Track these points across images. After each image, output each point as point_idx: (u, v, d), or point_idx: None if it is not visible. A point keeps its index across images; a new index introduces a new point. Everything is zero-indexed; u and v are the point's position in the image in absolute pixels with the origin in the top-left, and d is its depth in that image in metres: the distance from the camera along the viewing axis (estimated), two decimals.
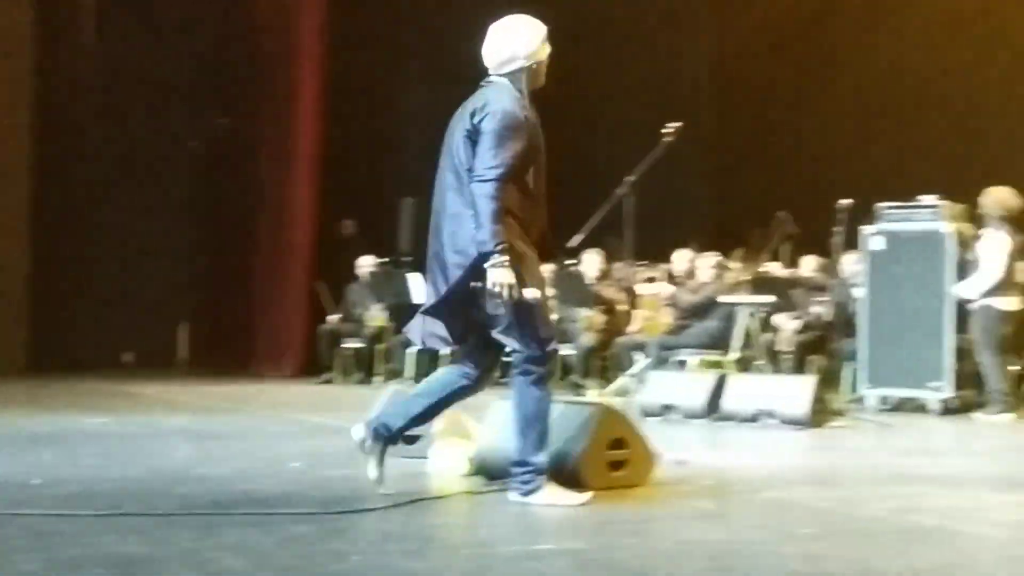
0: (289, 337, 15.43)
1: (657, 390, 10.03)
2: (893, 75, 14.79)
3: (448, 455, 6.42)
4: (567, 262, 12.72)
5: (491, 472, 6.07)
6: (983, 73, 13.96)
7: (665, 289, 12.71)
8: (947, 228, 10.68)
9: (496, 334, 5.46)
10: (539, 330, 5.46)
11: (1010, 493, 6.30)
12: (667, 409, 9.72)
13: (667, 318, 12.39)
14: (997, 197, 10.53)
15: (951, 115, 14.01)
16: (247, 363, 15.52)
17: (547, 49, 5.65)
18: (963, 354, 10.71)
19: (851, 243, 11.38)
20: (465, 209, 5.35)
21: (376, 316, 14.21)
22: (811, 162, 14.81)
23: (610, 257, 12.65)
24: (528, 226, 5.45)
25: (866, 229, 11.03)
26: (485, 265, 5.27)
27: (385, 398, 6.49)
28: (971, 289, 10.41)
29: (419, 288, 13.76)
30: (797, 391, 9.36)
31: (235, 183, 16.28)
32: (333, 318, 14.57)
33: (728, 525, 5.30)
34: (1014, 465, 7.58)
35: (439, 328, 5.57)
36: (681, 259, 12.65)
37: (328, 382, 14.11)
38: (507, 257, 5.25)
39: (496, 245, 5.23)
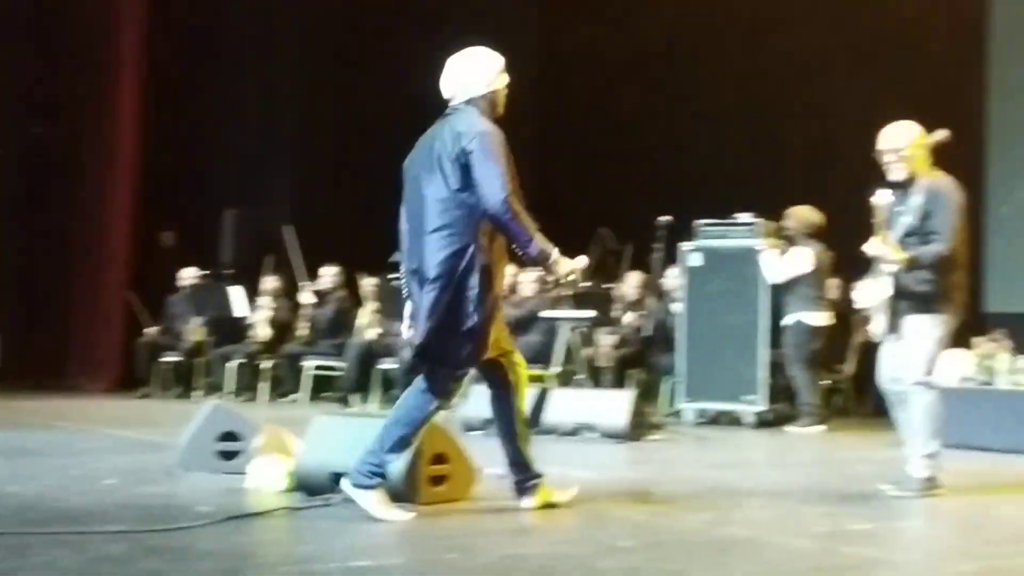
0: (105, 350, 15.09)
1: (479, 404, 10.04)
2: (711, 96, 15.10)
3: (267, 471, 6.35)
4: (391, 276, 12.68)
5: (311, 488, 6.02)
6: (794, 97, 14.35)
7: None
8: (762, 245, 10.96)
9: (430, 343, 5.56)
10: (476, 354, 5.57)
11: (819, 505, 6.48)
12: (489, 423, 9.71)
13: None
14: (799, 215, 10.87)
15: (767, 135, 14.37)
16: (61, 376, 15.11)
17: (505, 78, 5.86)
18: (776, 368, 11.00)
19: (671, 259, 11.60)
20: (451, 227, 5.54)
21: (196, 329, 13.99)
22: (633, 179, 15.03)
23: None
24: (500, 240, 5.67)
25: (684, 245, 11.26)
26: (549, 263, 5.63)
27: None
28: (774, 271, 10.74)
29: (240, 301, 13.60)
30: (616, 405, 9.49)
31: (51, 192, 15.84)
32: (151, 331, 14.30)
33: (548, 539, 5.34)
34: (823, 477, 7.79)
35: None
36: (506, 274, 12.71)
37: (145, 396, 13.83)
38: (557, 251, 5.60)
39: (547, 250, 5.58)
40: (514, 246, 5.61)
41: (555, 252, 5.60)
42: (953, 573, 4.86)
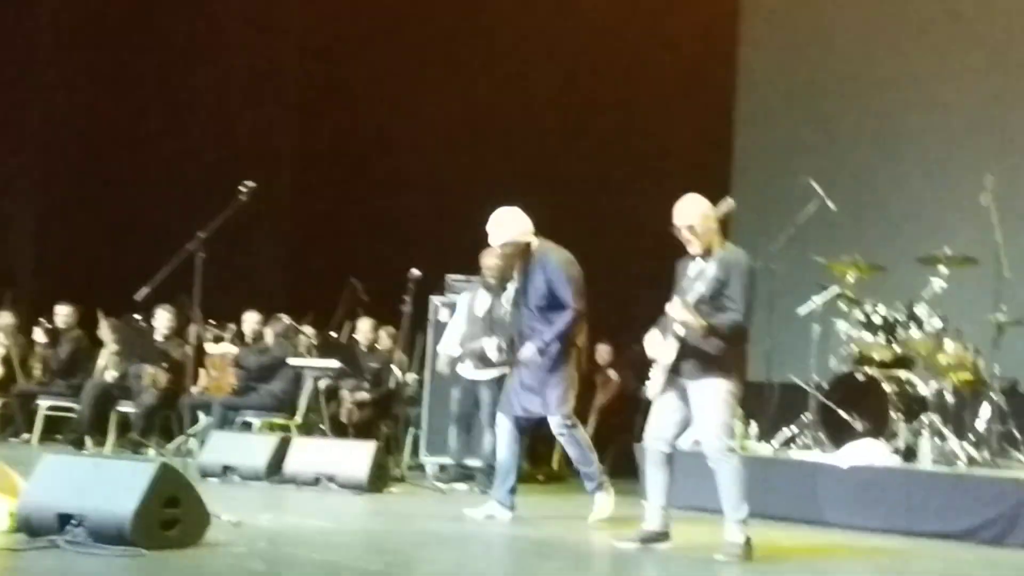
0: None
1: (218, 450, 9.91)
2: (469, 145, 15.28)
3: None
4: (134, 316, 12.40)
5: (35, 529, 5.82)
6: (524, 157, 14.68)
7: (233, 349, 12.59)
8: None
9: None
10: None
11: (551, 559, 6.59)
12: (227, 470, 9.62)
13: (233, 379, 12.27)
14: None
15: (518, 187, 14.58)
16: None
17: None
18: None
19: (419, 313, 11.62)
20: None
21: None
22: (384, 231, 15.05)
23: (180, 314, 12.43)
24: None
25: (435, 299, 11.31)
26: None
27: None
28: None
29: None
30: (358, 456, 9.45)
31: None
32: None
33: None
34: (557, 531, 7.88)
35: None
36: (251, 320, 12.59)
37: None
38: None
39: None
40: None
41: None
42: None
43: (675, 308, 6.62)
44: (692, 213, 6.73)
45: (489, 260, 9.85)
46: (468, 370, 10.04)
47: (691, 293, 6.61)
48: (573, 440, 7.97)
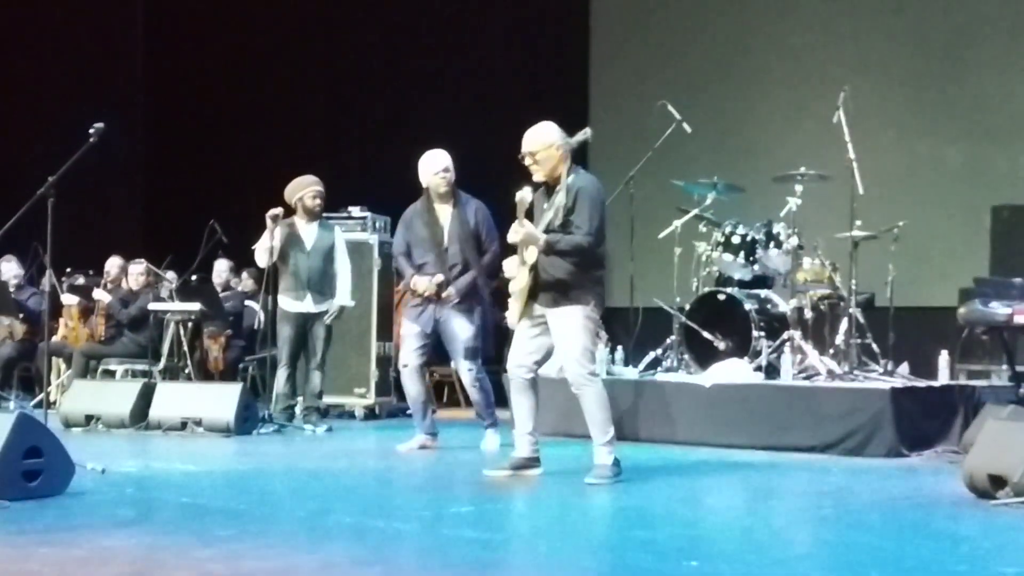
0: None
1: (81, 400, 9.74)
2: (327, 86, 15.14)
3: None
4: None
5: None
6: (398, 90, 14.58)
7: (92, 296, 12.33)
8: (375, 239, 11.04)
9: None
10: None
11: (425, 491, 6.61)
12: (91, 419, 9.47)
13: (94, 326, 12.04)
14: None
15: (379, 128, 14.50)
16: None
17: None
18: (384, 361, 11.10)
19: None
20: None
21: None
22: (245, 170, 14.85)
23: (33, 262, 12.13)
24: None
25: None
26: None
27: None
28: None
29: None
30: (224, 399, 9.35)
31: None
32: None
33: (146, 531, 5.21)
34: (431, 464, 7.90)
35: None
36: (109, 266, 12.33)
37: None
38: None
39: None
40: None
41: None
42: (545, 549, 5.04)
43: (512, 232, 6.65)
44: (534, 140, 6.76)
45: (313, 191, 9.87)
46: (308, 305, 9.86)
47: (542, 222, 6.64)
48: None
